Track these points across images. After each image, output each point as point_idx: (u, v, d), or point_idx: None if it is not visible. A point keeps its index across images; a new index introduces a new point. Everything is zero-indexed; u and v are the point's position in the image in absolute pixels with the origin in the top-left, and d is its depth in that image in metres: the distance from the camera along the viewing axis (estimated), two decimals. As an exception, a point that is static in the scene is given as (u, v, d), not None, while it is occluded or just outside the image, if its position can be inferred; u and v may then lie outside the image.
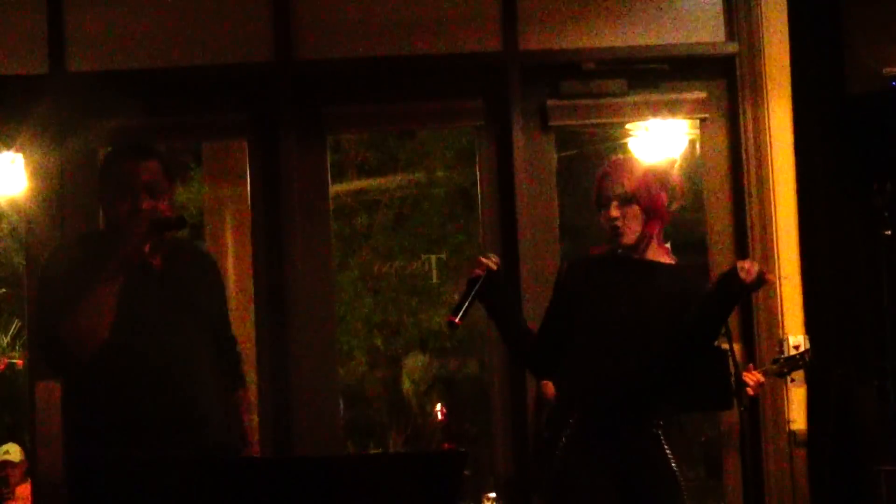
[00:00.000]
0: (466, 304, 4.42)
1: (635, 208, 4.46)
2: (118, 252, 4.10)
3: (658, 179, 4.53)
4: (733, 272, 4.23)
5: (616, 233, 4.46)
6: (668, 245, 4.62)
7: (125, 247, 4.11)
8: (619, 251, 4.49)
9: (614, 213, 4.45)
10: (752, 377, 5.77)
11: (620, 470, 4.35)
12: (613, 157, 4.66)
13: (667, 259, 4.54)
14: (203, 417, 4.20)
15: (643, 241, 4.48)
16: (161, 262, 4.27)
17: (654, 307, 4.42)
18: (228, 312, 4.55)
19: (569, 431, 4.40)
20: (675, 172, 4.71)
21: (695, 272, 4.68)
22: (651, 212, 4.48)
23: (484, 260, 4.50)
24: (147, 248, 4.19)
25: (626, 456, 4.36)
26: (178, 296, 4.26)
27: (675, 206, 4.58)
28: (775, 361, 6.11)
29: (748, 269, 4.23)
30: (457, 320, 4.37)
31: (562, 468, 4.40)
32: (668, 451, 4.39)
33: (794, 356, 6.09)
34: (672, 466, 4.39)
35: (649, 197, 4.47)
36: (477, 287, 4.46)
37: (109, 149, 5.16)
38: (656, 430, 4.40)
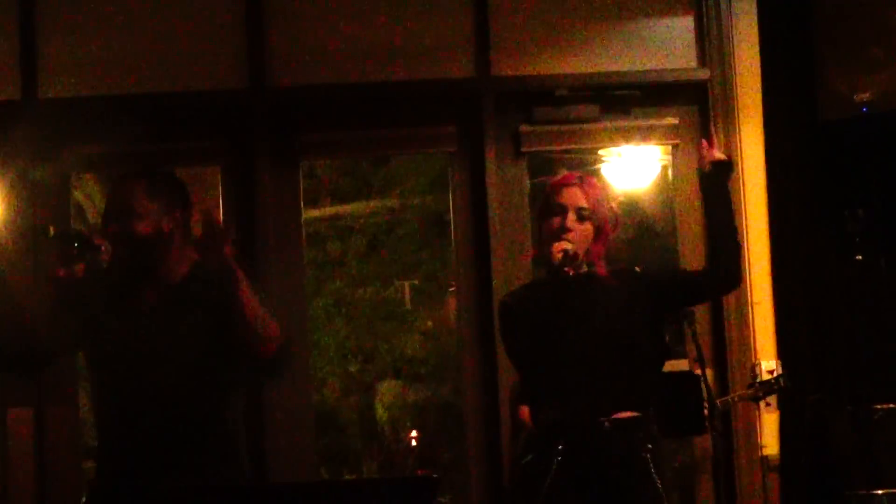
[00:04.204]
0: None
1: (588, 226, 4.37)
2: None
3: (610, 205, 4.48)
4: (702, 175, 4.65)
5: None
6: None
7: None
8: (563, 272, 4.28)
9: (570, 223, 4.34)
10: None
11: (610, 495, 4.26)
12: (569, 172, 4.58)
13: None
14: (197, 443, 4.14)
15: (585, 260, 4.38)
16: (158, 295, 4.15)
17: (618, 315, 4.38)
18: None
19: (559, 459, 4.23)
20: (615, 203, 4.63)
21: (623, 271, 4.51)
22: (599, 233, 4.40)
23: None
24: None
25: (616, 481, 4.26)
26: (168, 330, 4.12)
27: (612, 236, 4.48)
28: (751, 386, 6.12)
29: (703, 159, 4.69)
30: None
31: (552, 498, 4.23)
32: (655, 476, 4.26)
33: (769, 381, 6.11)
34: (661, 492, 4.31)
35: (603, 219, 4.41)
36: None
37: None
38: (646, 454, 4.31)
